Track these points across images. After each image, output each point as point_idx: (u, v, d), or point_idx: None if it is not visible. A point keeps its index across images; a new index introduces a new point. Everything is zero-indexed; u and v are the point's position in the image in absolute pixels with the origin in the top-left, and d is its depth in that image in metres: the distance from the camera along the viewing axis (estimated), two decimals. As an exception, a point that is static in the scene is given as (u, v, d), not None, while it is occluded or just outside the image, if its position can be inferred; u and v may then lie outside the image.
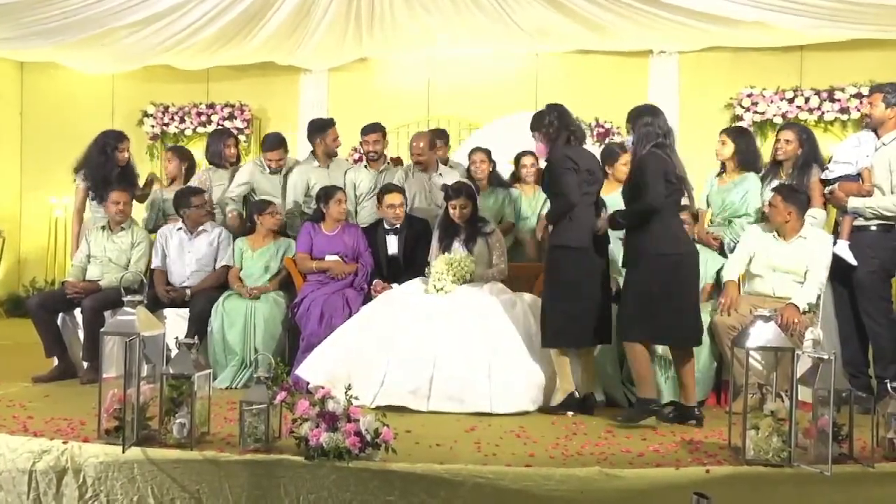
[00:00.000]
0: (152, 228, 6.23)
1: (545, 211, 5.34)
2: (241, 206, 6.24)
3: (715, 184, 5.53)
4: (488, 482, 3.35)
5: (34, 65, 9.35)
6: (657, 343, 4.60)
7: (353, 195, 6.09)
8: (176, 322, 5.48)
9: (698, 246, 5.27)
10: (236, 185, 6.22)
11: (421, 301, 4.96)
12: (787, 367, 3.61)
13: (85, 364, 5.46)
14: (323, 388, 3.75)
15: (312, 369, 4.84)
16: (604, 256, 4.67)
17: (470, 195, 5.26)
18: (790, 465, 3.48)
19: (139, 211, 6.36)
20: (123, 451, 3.56)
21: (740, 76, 8.14)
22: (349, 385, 3.65)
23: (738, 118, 8.05)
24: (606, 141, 8.28)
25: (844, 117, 7.93)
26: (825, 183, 5.12)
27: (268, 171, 6.17)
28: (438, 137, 6.51)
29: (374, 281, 5.49)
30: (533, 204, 6.20)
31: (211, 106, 9.21)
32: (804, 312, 4.76)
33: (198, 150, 7.52)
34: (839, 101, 7.91)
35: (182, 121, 9.25)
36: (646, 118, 4.45)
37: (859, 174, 4.98)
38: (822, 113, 7.96)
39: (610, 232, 4.70)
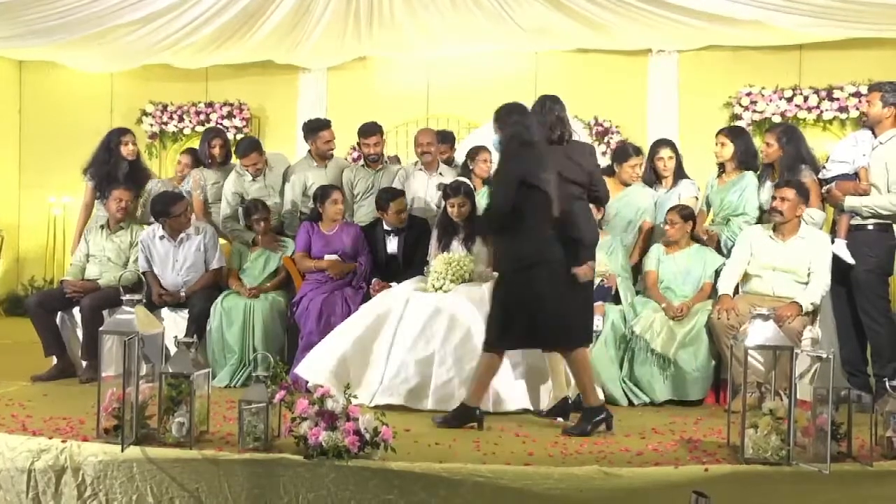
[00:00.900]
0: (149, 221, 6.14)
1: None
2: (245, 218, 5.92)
3: (715, 184, 5.55)
4: (487, 481, 3.36)
5: (33, 63, 9.33)
6: (518, 348, 4.46)
7: (350, 194, 6.06)
8: (175, 322, 5.47)
9: (698, 246, 5.30)
10: (226, 203, 5.99)
11: (420, 300, 4.95)
12: (785, 366, 3.62)
13: (84, 363, 5.45)
14: (322, 386, 3.76)
15: (311, 368, 4.84)
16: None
17: (468, 194, 5.24)
18: (789, 464, 3.48)
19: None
20: (122, 450, 3.56)
21: (739, 75, 8.13)
22: (348, 384, 3.65)
23: (738, 117, 8.04)
24: (606, 140, 8.30)
25: (843, 116, 7.92)
26: (822, 182, 5.13)
27: (249, 177, 6.02)
28: (444, 140, 6.48)
29: (373, 280, 5.49)
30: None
31: (210, 105, 9.19)
32: (806, 313, 4.76)
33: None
34: (838, 99, 7.90)
35: (181, 120, 9.22)
36: (514, 116, 4.23)
37: (856, 173, 4.98)
38: (821, 112, 7.95)
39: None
